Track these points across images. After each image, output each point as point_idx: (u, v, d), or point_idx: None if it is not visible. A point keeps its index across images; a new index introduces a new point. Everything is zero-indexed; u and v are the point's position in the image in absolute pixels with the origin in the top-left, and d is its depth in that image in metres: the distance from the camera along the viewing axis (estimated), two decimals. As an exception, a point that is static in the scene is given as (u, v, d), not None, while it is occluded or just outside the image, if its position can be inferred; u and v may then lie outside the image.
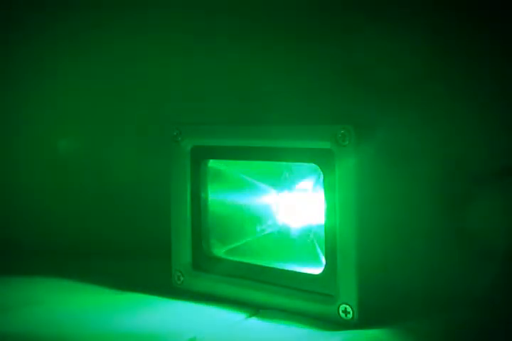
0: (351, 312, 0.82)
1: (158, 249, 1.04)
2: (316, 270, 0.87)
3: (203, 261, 0.97)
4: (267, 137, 0.90)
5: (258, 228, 0.98)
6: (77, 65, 1.25)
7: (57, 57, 1.25)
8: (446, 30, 1.05)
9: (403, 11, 1.07)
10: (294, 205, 0.96)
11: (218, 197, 0.97)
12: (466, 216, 0.96)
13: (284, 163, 0.95)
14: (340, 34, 1.10)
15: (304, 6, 1.13)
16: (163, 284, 0.99)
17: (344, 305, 0.83)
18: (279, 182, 0.97)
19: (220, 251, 0.97)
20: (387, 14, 1.07)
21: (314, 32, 1.12)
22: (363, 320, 0.82)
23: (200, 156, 0.96)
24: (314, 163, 0.87)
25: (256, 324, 0.86)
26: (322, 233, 0.86)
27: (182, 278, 0.97)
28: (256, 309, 0.90)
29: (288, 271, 0.90)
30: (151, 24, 1.22)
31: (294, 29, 1.15)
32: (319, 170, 0.87)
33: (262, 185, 0.98)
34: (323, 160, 0.85)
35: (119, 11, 1.22)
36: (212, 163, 0.97)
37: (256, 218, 0.98)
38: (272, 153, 0.91)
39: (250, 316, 0.88)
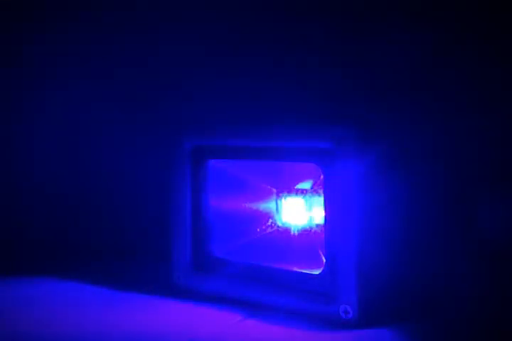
0: (351, 312, 0.82)
1: (159, 249, 1.03)
2: (316, 270, 0.87)
3: (203, 261, 0.97)
4: (267, 137, 0.90)
5: (258, 228, 0.98)
6: (78, 65, 1.25)
7: (58, 57, 1.25)
8: (452, 29, 1.05)
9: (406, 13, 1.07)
10: (294, 205, 0.96)
11: (218, 197, 0.97)
12: (465, 216, 0.96)
13: (284, 163, 0.94)
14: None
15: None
16: (163, 284, 0.99)
17: (344, 305, 0.83)
18: (279, 182, 0.97)
19: (220, 251, 0.97)
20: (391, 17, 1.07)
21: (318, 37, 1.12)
22: (363, 320, 0.82)
23: (200, 156, 0.96)
24: (314, 163, 0.87)
25: (255, 324, 0.86)
26: (322, 233, 0.86)
27: (182, 278, 0.97)
28: (256, 309, 0.90)
29: (288, 270, 0.90)
30: (151, 26, 1.22)
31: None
32: (319, 170, 0.87)
33: (262, 185, 0.98)
34: (323, 160, 0.85)
35: (127, 14, 1.22)
36: (212, 163, 0.97)
37: (256, 218, 0.98)
38: (272, 153, 0.91)
39: (249, 316, 0.88)
